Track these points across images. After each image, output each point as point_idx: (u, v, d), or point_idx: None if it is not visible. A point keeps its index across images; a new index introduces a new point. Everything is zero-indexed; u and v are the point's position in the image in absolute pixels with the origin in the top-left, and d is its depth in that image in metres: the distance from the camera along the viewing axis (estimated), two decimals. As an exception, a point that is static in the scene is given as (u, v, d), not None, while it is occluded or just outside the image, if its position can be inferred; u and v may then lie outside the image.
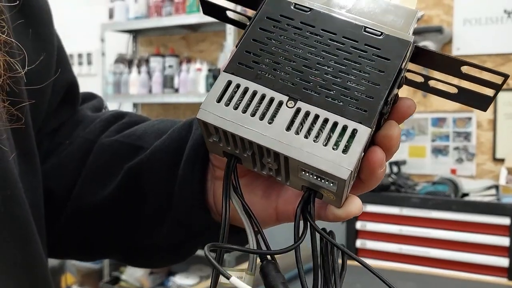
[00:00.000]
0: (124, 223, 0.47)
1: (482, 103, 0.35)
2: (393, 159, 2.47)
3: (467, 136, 2.39)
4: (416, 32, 2.38)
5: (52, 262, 2.54)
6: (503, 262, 1.95)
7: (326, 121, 0.30)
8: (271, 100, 0.31)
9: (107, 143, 0.48)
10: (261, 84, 0.32)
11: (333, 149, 0.29)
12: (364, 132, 0.30)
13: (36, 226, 0.41)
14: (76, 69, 3.44)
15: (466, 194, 2.16)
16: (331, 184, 0.30)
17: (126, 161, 0.46)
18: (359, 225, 2.21)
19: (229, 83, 0.32)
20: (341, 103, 0.31)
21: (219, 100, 0.31)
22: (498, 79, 0.33)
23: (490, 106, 0.35)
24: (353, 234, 2.21)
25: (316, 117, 0.30)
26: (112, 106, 2.97)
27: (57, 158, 0.49)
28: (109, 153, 0.47)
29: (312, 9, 0.33)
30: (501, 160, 2.28)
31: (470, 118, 2.37)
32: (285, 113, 0.31)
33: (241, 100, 0.31)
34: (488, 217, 1.97)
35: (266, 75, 0.32)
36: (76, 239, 0.50)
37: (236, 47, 0.33)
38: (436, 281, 1.30)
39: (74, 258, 0.56)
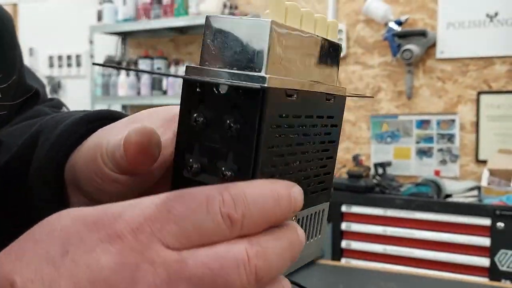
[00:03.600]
0: None
1: None
2: (379, 160, 2.50)
3: (450, 138, 2.43)
4: (401, 36, 2.42)
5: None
6: (484, 262, 1.99)
7: (311, 216, 0.33)
8: None
9: None
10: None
11: (316, 238, 0.34)
12: (326, 207, 0.35)
13: None
14: (65, 71, 3.44)
15: (449, 195, 2.20)
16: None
17: None
18: (344, 226, 2.24)
19: None
20: (316, 195, 0.33)
21: None
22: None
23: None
24: (338, 235, 2.24)
25: (307, 217, 0.32)
26: (101, 108, 2.97)
27: None
28: None
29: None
30: (484, 162, 2.31)
31: (453, 120, 2.41)
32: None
33: None
34: (469, 218, 2.01)
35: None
36: None
37: None
38: (418, 281, 1.32)
39: None
